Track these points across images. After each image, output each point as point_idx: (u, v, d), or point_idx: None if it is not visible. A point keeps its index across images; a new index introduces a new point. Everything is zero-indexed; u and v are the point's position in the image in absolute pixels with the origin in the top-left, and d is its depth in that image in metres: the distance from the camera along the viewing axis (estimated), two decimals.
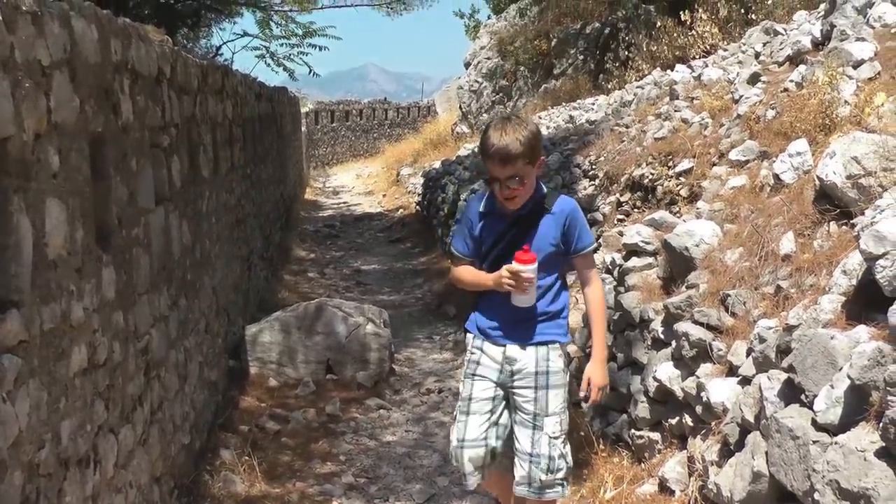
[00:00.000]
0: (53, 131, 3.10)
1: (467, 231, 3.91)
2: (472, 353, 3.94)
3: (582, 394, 3.88)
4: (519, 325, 3.81)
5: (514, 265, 3.61)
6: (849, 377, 2.86)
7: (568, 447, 3.86)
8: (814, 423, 3.02)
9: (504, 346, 3.84)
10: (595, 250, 4.10)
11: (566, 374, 3.90)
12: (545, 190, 3.81)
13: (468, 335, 4.01)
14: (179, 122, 5.47)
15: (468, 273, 3.90)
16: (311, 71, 15.84)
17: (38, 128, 2.94)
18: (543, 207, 3.75)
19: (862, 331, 3.12)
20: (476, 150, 16.82)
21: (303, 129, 29.01)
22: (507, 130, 3.53)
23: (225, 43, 15.80)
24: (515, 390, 3.83)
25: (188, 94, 5.83)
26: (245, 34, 15.21)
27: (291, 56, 15.37)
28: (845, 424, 2.86)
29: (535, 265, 3.61)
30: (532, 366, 3.79)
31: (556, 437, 3.79)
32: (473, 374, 3.89)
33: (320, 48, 15.41)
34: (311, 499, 5.50)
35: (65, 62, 3.25)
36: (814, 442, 2.95)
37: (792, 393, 3.31)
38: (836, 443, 2.82)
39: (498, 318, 3.84)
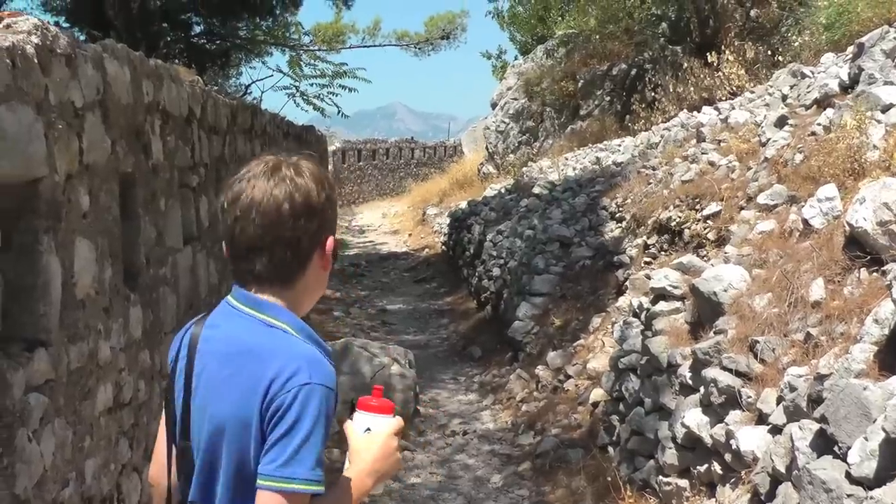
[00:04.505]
0: (84, 172, 3.14)
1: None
2: None
3: None
4: None
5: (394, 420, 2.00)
6: (883, 430, 2.80)
7: None
8: (848, 475, 2.95)
9: None
10: None
11: None
12: None
13: None
14: (209, 162, 5.53)
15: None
16: (339, 111, 16.01)
17: (69, 168, 2.97)
18: None
19: None
20: (504, 189, 16.89)
21: (330, 167, 29.22)
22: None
23: (254, 82, 16.06)
24: None
25: (218, 133, 5.89)
26: (279, 70, 15.43)
27: (321, 96, 15.57)
28: (881, 478, 2.79)
29: None
30: None
31: None
32: None
33: (350, 89, 15.59)
34: None
35: (97, 103, 3.30)
36: (848, 496, 2.88)
37: (824, 444, 3.24)
38: (871, 497, 2.75)
39: None
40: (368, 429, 1.97)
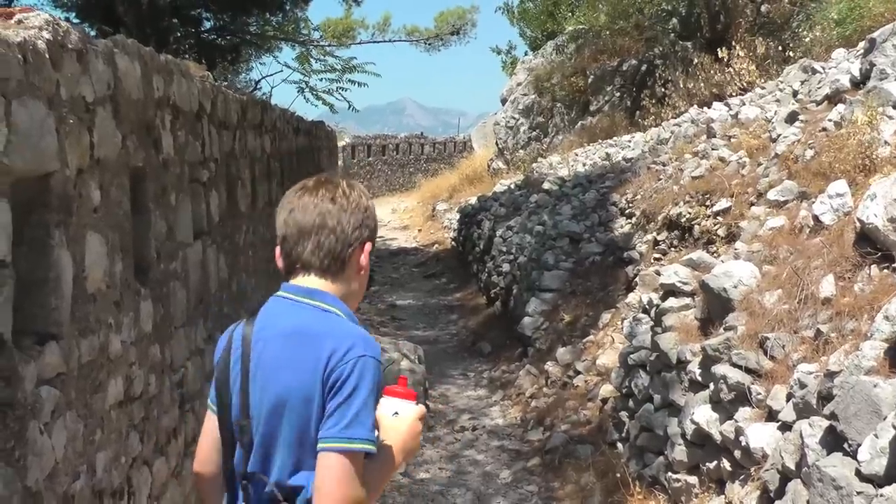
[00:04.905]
0: (95, 166, 3.14)
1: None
2: None
3: None
4: None
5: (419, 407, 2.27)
6: (894, 427, 2.79)
7: None
8: (857, 473, 2.94)
9: None
10: None
11: None
12: None
13: None
14: (219, 157, 5.53)
15: (378, 469, 2.11)
16: (350, 106, 16.00)
17: (80, 163, 2.98)
18: None
19: None
20: (514, 185, 16.86)
21: (339, 163, 29.17)
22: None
23: (264, 77, 16.07)
24: None
25: (228, 128, 5.89)
26: (286, 66, 15.45)
27: (331, 91, 15.57)
28: (891, 476, 2.79)
29: None
30: None
31: None
32: None
33: (360, 84, 15.58)
34: None
35: (108, 98, 3.30)
36: (858, 493, 2.88)
37: (834, 441, 3.23)
38: (881, 495, 2.75)
39: None
40: (396, 412, 2.19)
